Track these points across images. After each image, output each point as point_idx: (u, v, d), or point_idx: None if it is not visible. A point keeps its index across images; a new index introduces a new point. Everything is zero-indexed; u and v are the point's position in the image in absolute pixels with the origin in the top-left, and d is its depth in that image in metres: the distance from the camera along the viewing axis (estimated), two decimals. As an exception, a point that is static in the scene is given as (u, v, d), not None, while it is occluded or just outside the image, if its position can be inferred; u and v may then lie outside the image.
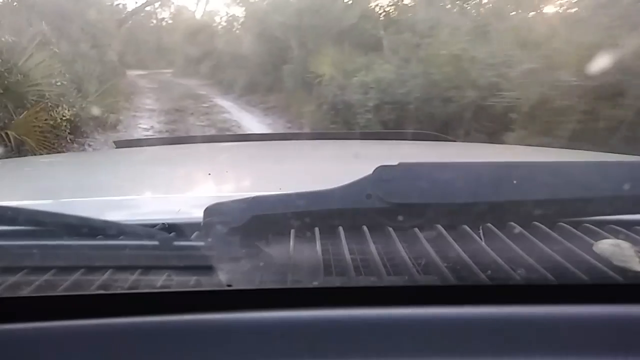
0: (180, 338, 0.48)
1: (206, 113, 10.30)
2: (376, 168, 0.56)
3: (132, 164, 1.45)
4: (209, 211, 0.58)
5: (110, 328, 0.48)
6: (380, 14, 9.52)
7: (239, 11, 15.97)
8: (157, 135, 7.78)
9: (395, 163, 0.57)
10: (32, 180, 1.18)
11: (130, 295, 0.51)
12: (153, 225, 0.63)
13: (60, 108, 6.36)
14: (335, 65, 8.12)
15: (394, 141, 1.92)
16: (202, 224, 0.58)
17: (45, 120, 5.87)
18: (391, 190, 0.56)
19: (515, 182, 0.57)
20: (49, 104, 6.19)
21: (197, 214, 0.58)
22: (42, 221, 0.62)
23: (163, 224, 0.64)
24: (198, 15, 23.63)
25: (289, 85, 10.04)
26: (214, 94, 13.81)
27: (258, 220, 0.57)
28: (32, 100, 5.88)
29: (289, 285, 0.53)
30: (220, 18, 19.53)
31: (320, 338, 0.48)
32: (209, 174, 1.16)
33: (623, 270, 0.52)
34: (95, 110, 7.52)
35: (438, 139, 1.97)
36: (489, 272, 0.52)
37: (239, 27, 15.50)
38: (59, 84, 6.64)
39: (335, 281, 0.54)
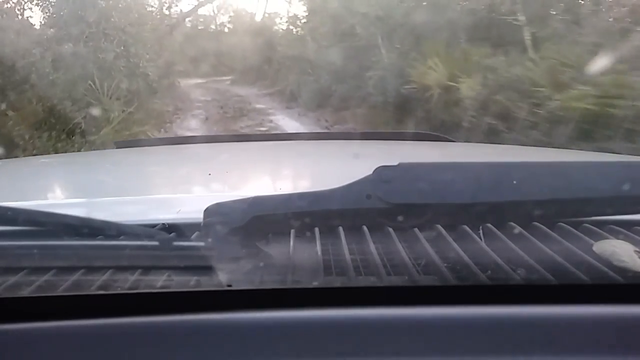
0: (180, 338, 0.48)
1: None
2: (376, 168, 0.56)
3: (132, 164, 1.45)
4: (209, 211, 0.58)
5: (110, 328, 0.48)
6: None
7: (303, 9, 12.89)
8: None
9: (395, 163, 0.57)
10: (32, 181, 1.18)
11: (130, 295, 0.51)
12: (153, 226, 0.63)
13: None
14: (459, 73, 5.32)
15: (394, 141, 1.92)
16: (202, 224, 0.58)
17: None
18: (391, 190, 0.56)
19: (515, 182, 0.57)
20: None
21: (197, 214, 0.58)
22: (42, 221, 0.62)
23: (163, 224, 0.64)
24: (258, 18, 22.00)
25: (375, 98, 7.05)
26: (274, 109, 11.29)
27: (258, 221, 0.57)
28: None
29: (289, 285, 0.53)
30: (281, 18, 17.54)
31: (320, 338, 0.48)
32: (209, 174, 1.16)
33: (623, 270, 0.52)
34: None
35: (438, 139, 1.97)
36: (489, 272, 0.52)
37: (303, 26, 12.65)
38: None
39: (335, 281, 0.54)
